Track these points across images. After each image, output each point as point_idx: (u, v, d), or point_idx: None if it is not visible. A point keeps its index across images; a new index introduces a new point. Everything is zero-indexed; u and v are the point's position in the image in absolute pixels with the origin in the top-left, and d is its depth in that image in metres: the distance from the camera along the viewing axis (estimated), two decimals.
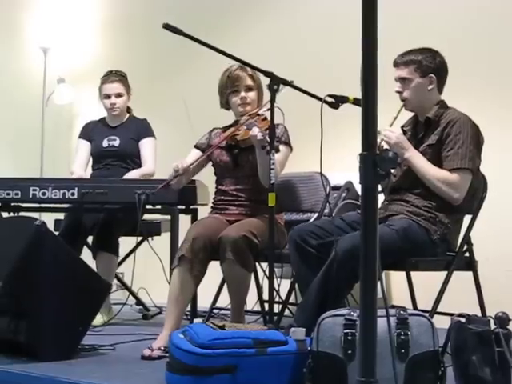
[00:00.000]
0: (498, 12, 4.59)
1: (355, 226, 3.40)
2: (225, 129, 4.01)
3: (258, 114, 3.76)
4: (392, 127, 3.46)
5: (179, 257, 3.56)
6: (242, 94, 3.91)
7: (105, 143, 4.81)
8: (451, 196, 3.37)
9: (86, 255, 4.42)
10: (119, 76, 4.83)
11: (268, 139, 3.35)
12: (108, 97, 4.80)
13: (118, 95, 4.80)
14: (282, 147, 3.77)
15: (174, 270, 3.58)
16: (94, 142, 4.87)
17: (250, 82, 3.91)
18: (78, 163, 4.84)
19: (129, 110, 4.93)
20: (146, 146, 4.79)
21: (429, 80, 3.49)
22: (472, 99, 4.06)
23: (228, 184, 3.92)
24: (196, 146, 4.06)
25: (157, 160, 4.77)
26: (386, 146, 3.42)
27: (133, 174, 4.63)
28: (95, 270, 4.02)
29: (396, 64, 3.52)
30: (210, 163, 4.03)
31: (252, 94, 3.92)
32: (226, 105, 4.01)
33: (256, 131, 3.51)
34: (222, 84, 3.99)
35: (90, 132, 4.91)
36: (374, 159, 1.82)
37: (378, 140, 3.35)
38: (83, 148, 4.89)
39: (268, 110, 3.43)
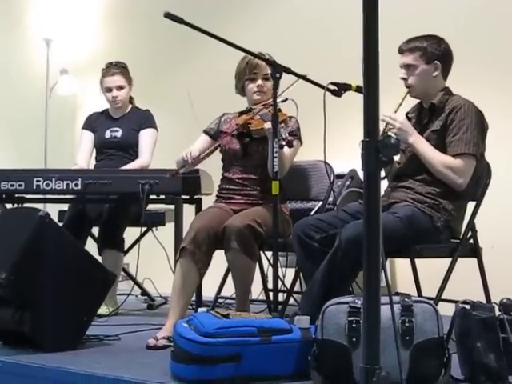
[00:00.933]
0: None
1: (358, 217, 3.38)
2: (239, 114, 3.98)
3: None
4: (397, 114, 3.45)
5: (181, 248, 3.56)
6: (260, 82, 3.89)
7: (107, 134, 4.79)
8: (455, 182, 3.36)
9: (91, 246, 4.43)
10: (120, 68, 4.79)
11: (286, 135, 3.34)
12: (109, 90, 4.77)
13: (120, 87, 4.77)
14: (294, 142, 3.68)
15: (178, 262, 3.58)
16: (97, 133, 4.85)
17: (268, 71, 3.84)
18: (82, 154, 4.85)
19: (131, 100, 4.91)
20: (144, 136, 4.76)
21: (434, 67, 3.47)
22: (475, 86, 4.05)
23: (235, 172, 3.90)
24: (205, 131, 4.04)
25: (160, 152, 4.75)
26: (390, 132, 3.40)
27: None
28: None
29: (401, 51, 3.51)
30: (219, 150, 3.99)
31: (269, 84, 3.84)
32: (241, 90, 3.99)
33: (270, 124, 3.47)
34: (240, 70, 3.95)
35: (94, 123, 4.90)
36: (376, 145, 1.81)
37: (382, 126, 3.34)
38: (87, 139, 4.88)
39: (283, 101, 3.41)
